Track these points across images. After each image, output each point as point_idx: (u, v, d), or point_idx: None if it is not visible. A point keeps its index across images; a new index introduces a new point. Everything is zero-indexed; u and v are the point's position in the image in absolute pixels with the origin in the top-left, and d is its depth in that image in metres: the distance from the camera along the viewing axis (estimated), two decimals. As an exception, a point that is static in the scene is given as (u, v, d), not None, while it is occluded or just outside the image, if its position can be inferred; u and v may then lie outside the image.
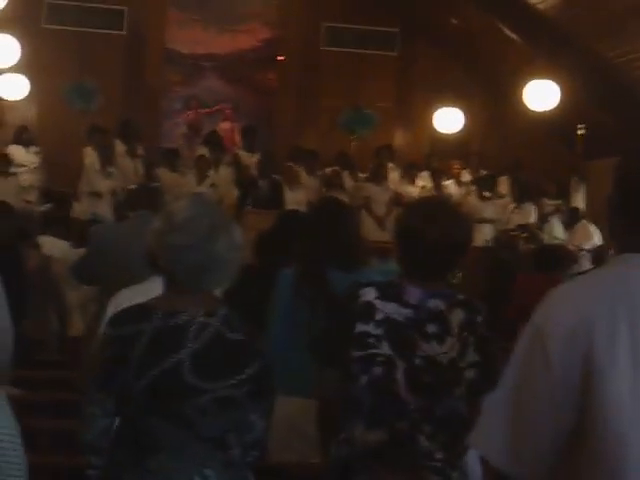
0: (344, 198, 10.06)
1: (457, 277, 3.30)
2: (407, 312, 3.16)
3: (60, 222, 9.27)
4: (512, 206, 13.42)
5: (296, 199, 12.27)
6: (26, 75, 13.89)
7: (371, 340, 3.13)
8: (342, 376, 3.19)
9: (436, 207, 3.37)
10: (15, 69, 13.38)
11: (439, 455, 3.13)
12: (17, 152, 13.39)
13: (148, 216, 5.25)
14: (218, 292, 3.14)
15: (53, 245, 8.03)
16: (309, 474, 3.96)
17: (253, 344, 2.96)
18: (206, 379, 2.86)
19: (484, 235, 12.75)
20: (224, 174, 13.49)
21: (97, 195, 12.56)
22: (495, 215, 13.42)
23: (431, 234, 3.17)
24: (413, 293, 3.19)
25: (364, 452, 3.14)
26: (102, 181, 12.69)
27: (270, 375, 3.01)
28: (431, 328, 3.14)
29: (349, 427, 3.18)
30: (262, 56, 16.38)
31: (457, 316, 3.17)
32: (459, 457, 3.19)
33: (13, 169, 12.95)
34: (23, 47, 13.01)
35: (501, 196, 13.97)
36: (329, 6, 15.91)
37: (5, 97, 14.14)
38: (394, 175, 14.24)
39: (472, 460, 3.18)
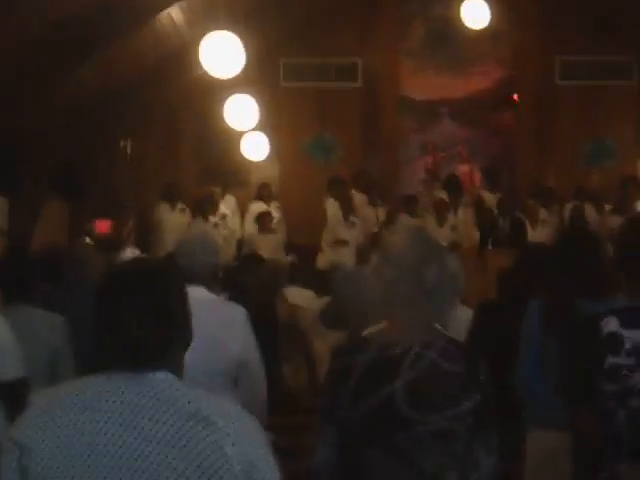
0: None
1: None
2: None
3: (305, 273, 9.52)
4: None
5: (538, 236, 12.09)
6: (267, 133, 14.41)
7: (623, 372, 3.01)
8: (596, 411, 3.08)
9: None
10: (257, 128, 13.89)
11: None
12: (259, 209, 13.87)
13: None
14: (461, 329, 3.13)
15: (299, 295, 8.23)
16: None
17: (473, 376, 2.90)
18: (420, 410, 2.84)
19: None
20: (464, 216, 13.49)
21: (340, 244, 12.83)
22: None
23: None
24: None
25: None
26: (345, 231, 12.96)
27: (492, 409, 2.93)
28: None
29: (610, 464, 3.06)
30: (497, 96, 16.29)
31: None
32: None
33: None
34: (263, 106, 13.49)
35: None
36: (562, 39, 15.62)
37: (249, 157, 14.68)
38: (640, 206, 13.80)
39: None
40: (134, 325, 2.28)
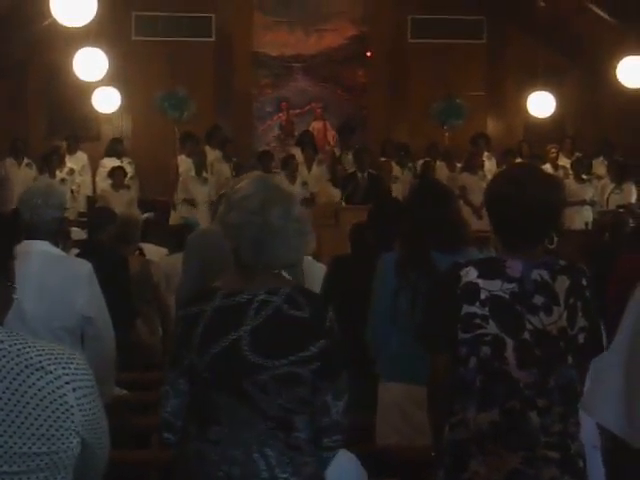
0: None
1: (555, 242, 3.20)
2: (511, 287, 3.09)
3: (158, 229, 9.43)
4: (611, 187, 13.15)
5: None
6: (118, 88, 14.14)
7: (477, 321, 3.07)
8: (452, 359, 3.13)
9: (525, 172, 3.29)
10: (107, 82, 13.60)
11: (556, 428, 3.06)
12: (111, 164, 13.66)
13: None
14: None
15: (152, 251, 8.16)
16: (415, 457, 3.95)
17: (319, 322, 2.96)
18: (265, 356, 2.90)
19: (584, 218, 12.55)
20: (318, 173, 13.52)
21: (193, 202, 12.74)
22: (594, 197, 13.19)
23: (523, 198, 3.10)
24: (515, 266, 3.11)
25: (477, 434, 3.09)
26: (197, 187, 12.85)
27: (339, 354, 2.99)
28: (537, 300, 3.07)
29: (461, 410, 3.13)
30: (350, 53, 16.37)
31: (562, 283, 3.10)
32: (577, 425, 3.12)
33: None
34: (113, 60, 13.21)
35: (599, 177, 13.70)
36: (413, -1, 15.82)
37: (99, 110, 14.41)
38: (490, 163, 14.10)
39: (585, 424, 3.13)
40: None
